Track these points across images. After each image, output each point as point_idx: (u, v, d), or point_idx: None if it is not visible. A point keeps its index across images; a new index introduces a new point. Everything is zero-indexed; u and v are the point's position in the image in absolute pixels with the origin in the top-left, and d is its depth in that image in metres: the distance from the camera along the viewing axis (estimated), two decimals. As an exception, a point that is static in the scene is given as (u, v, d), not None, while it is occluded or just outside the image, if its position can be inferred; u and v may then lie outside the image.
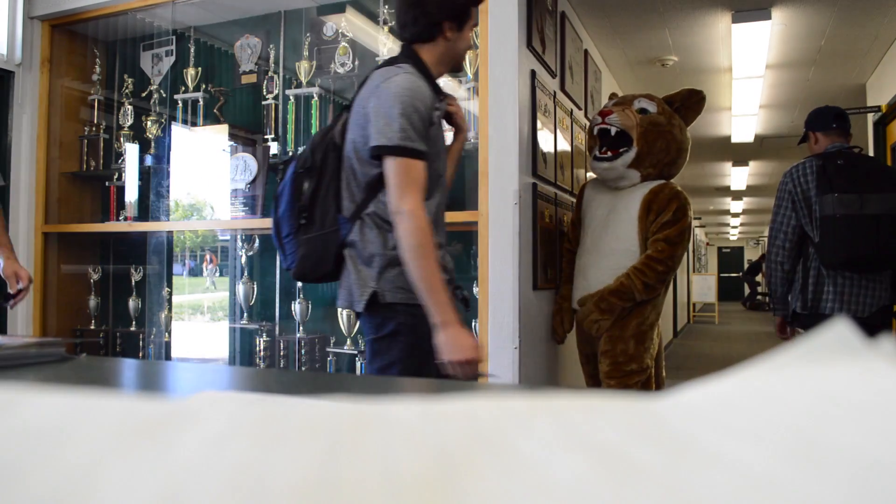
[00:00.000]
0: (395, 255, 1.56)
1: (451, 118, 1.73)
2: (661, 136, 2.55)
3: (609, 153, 2.57)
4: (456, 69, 1.74)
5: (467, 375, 1.50)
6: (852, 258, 2.43)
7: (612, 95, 2.91)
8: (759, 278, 16.32)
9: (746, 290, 17.69)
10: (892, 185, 2.46)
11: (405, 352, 1.57)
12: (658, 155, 2.55)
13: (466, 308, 1.73)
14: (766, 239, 3.02)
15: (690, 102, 2.70)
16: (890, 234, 2.39)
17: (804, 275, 2.59)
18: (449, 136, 1.81)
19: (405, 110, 1.50)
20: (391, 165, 1.52)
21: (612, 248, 2.55)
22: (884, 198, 2.42)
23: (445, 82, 2.85)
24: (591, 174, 3.17)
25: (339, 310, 2.93)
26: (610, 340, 2.51)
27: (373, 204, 1.59)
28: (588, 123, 3.41)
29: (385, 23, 2.94)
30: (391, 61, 1.63)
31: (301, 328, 3.03)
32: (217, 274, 3.46)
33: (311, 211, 1.64)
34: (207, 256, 3.49)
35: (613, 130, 2.56)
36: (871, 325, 2.41)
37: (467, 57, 2.74)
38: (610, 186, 2.64)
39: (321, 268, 1.66)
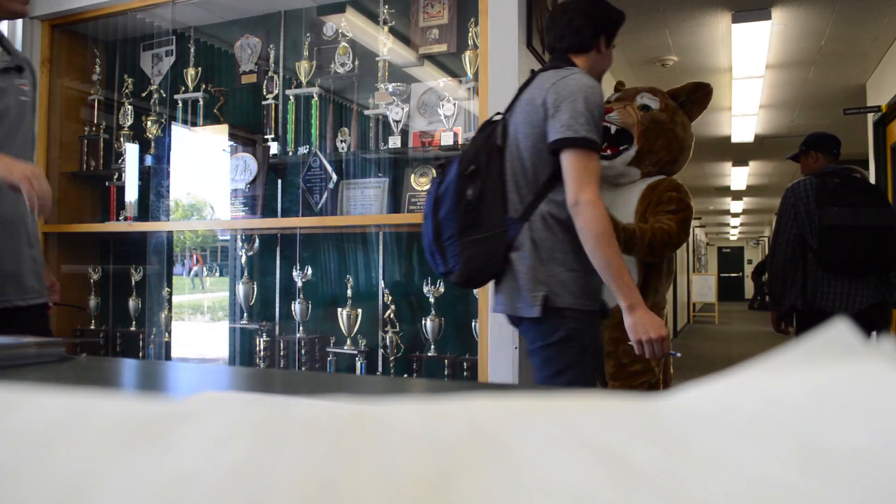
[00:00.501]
0: (569, 259, 1.59)
1: None
2: (662, 135, 2.54)
3: (609, 151, 2.55)
4: None
5: (657, 354, 1.57)
6: (850, 263, 2.85)
7: (619, 85, 2.90)
8: (764, 278, 16.30)
9: (751, 291, 17.68)
10: (881, 200, 2.93)
11: (577, 357, 1.58)
12: (659, 153, 2.54)
13: (604, 317, 1.77)
14: (766, 239, 3.27)
15: (696, 96, 2.67)
16: (881, 242, 2.83)
17: (804, 277, 2.98)
18: None
19: (588, 105, 1.56)
20: (573, 157, 1.55)
21: None
22: (876, 212, 2.85)
23: (444, 83, 2.86)
24: None
25: (340, 311, 2.93)
26: (612, 342, 2.50)
27: (544, 204, 1.62)
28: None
29: (385, 23, 2.94)
30: (555, 66, 1.70)
31: (301, 328, 3.04)
32: (217, 273, 3.46)
33: (478, 213, 1.64)
34: (194, 257, 3.49)
35: (613, 129, 2.55)
36: (861, 321, 2.74)
37: (467, 57, 2.75)
38: (610, 183, 2.63)
39: (488, 270, 1.66)
